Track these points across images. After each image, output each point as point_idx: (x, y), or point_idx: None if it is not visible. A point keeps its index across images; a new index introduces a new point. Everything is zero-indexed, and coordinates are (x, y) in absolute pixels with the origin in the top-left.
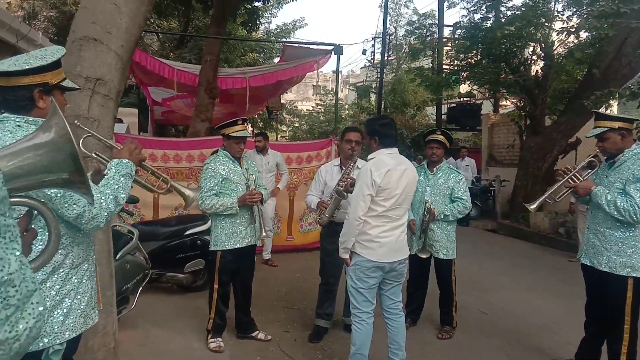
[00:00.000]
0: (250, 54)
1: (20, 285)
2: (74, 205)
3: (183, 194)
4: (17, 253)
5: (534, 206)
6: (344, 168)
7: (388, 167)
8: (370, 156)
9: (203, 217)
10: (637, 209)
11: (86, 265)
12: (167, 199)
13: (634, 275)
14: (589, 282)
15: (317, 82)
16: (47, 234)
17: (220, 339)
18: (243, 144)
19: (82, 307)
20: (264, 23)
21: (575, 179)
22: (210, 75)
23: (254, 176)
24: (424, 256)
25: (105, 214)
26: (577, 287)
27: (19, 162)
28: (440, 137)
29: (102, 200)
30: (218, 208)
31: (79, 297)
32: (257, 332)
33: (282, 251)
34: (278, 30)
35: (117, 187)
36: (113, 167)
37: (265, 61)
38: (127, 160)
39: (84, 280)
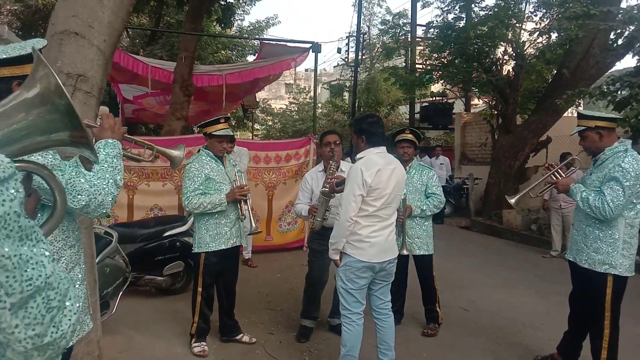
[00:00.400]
0: (223, 52)
1: (59, 285)
2: (79, 196)
3: (170, 155)
4: (47, 253)
5: (514, 200)
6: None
7: (378, 166)
8: (359, 155)
9: (182, 218)
10: (606, 207)
11: (78, 268)
12: (143, 199)
13: (612, 272)
14: (573, 276)
15: (295, 80)
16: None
17: (204, 343)
18: (226, 143)
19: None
20: (237, 20)
21: (558, 175)
22: (186, 72)
23: (240, 171)
24: (405, 253)
25: (110, 199)
26: (553, 284)
27: (12, 123)
28: (410, 136)
29: (104, 185)
30: (206, 207)
31: None
32: (242, 334)
33: (261, 251)
34: (251, 27)
35: (112, 169)
36: (102, 150)
37: (239, 58)
38: (112, 139)
39: (77, 285)
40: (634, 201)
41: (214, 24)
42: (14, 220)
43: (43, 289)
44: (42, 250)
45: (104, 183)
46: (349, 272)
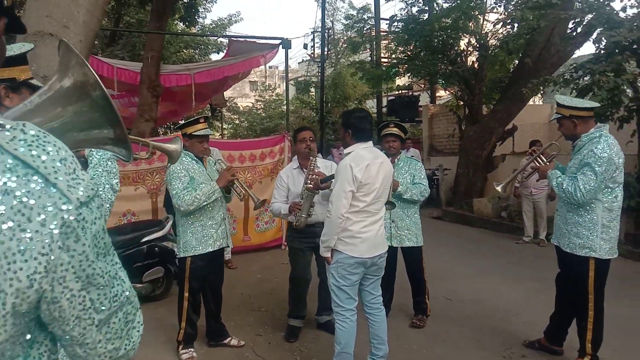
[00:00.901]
0: (186, 50)
1: (134, 299)
2: None
3: (167, 149)
4: (120, 265)
5: (500, 186)
6: (304, 169)
7: (367, 161)
8: (346, 151)
9: (159, 222)
10: (577, 191)
11: None
12: (116, 204)
13: (593, 255)
14: (559, 260)
15: (266, 77)
16: None
17: (192, 349)
18: (206, 143)
19: None
20: (199, 18)
21: (541, 160)
22: (153, 73)
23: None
24: (395, 245)
25: (108, 206)
26: (528, 269)
27: (52, 117)
28: (395, 130)
29: (101, 192)
30: (201, 198)
31: None
32: (230, 338)
33: (240, 252)
34: (213, 25)
35: (107, 173)
36: (94, 153)
37: (202, 57)
38: None
39: None
40: (610, 185)
41: (176, 22)
42: (101, 238)
43: (125, 304)
44: (118, 264)
45: (100, 189)
46: (341, 269)
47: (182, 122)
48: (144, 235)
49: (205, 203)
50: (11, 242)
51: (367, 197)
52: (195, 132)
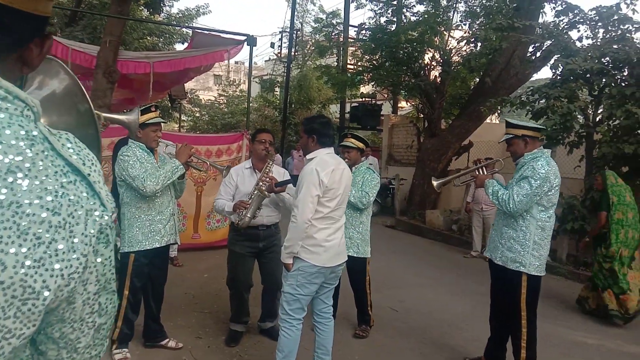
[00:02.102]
0: (149, 38)
1: (108, 322)
2: None
3: (121, 121)
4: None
5: (437, 183)
6: (256, 170)
7: (332, 166)
8: (309, 156)
9: None
10: (510, 200)
11: None
12: None
13: (523, 270)
14: (492, 274)
15: (228, 72)
16: None
17: (126, 350)
18: (159, 132)
19: None
20: (165, 6)
21: (481, 171)
22: (110, 58)
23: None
24: None
25: None
26: (475, 283)
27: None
28: (350, 142)
29: None
30: (167, 175)
31: None
32: (167, 340)
33: (188, 250)
34: (180, 15)
35: None
36: None
37: (166, 46)
38: None
39: None
40: (545, 204)
41: (141, 8)
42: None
43: (113, 316)
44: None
45: None
46: (300, 277)
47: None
48: None
49: (170, 181)
50: (63, 240)
51: (332, 202)
52: (147, 120)
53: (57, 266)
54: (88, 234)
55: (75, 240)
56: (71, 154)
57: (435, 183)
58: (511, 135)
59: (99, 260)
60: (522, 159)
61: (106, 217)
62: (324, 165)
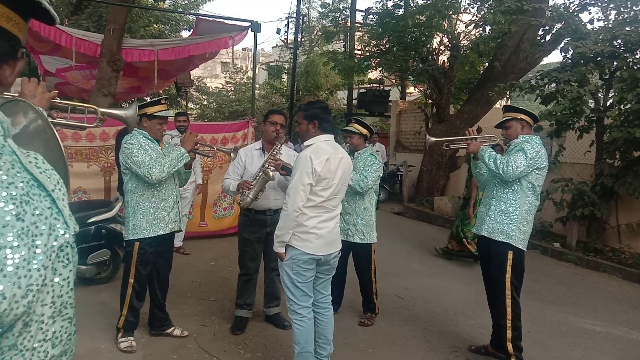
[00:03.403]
0: (155, 25)
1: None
2: None
3: (119, 116)
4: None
5: (432, 140)
6: (266, 152)
7: (327, 155)
8: (307, 142)
9: (108, 203)
10: (509, 164)
11: None
12: None
13: (509, 241)
14: (481, 255)
15: (233, 59)
16: None
17: (132, 338)
18: (165, 125)
19: None
20: None
21: (474, 138)
22: (114, 46)
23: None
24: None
25: None
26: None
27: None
28: (352, 127)
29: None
30: (172, 163)
31: None
32: (173, 328)
33: (195, 238)
34: (186, 1)
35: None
36: None
37: (172, 34)
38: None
39: None
40: (534, 182)
41: None
42: (76, 272)
43: (69, 348)
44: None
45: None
46: (295, 266)
47: (148, 99)
48: (91, 215)
49: (175, 169)
50: (25, 247)
51: (325, 192)
52: (156, 112)
53: (16, 272)
54: (49, 248)
55: (37, 250)
56: (37, 171)
57: (431, 139)
58: (510, 117)
59: (56, 279)
60: (514, 141)
61: (67, 235)
62: (319, 153)
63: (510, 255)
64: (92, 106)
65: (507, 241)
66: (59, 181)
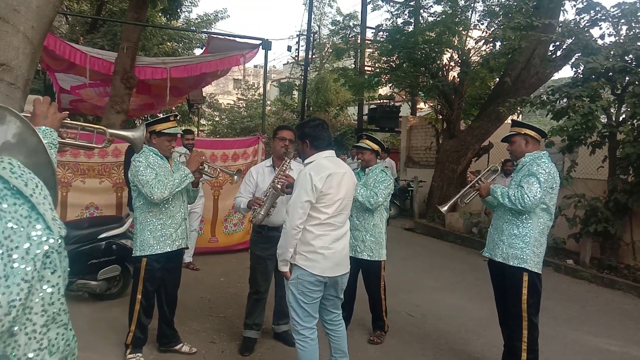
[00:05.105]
0: (169, 43)
1: (76, 351)
2: None
3: (127, 137)
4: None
5: (445, 208)
6: (276, 168)
7: (328, 171)
8: (307, 160)
9: (119, 219)
10: (525, 197)
11: None
12: (78, 196)
13: (525, 266)
14: (492, 277)
15: (244, 76)
16: None
17: (140, 354)
18: (174, 142)
19: None
20: (184, 11)
21: (480, 182)
22: (128, 64)
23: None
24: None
25: None
26: None
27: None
28: (363, 143)
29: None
30: (175, 183)
31: None
32: (181, 344)
33: (205, 253)
34: (199, 20)
35: None
36: None
37: (185, 52)
38: (45, 127)
39: None
40: (547, 202)
41: (160, 14)
42: (66, 277)
43: (70, 354)
44: None
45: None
46: (300, 285)
47: (160, 116)
48: (102, 231)
49: (178, 189)
50: (1, 264)
51: (329, 208)
52: (165, 129)
53: None
54: (32, 258)
55: (15, 265)
56: (12, 176)
57: (443, 209)
58: (514, 133)
59: (45, 287)
60: (522, 159)
61: (51, 241)
62: (320, 169)
63: (525, 277)
64: (101, 127)
65: (522, 266)
66: (37, 184)
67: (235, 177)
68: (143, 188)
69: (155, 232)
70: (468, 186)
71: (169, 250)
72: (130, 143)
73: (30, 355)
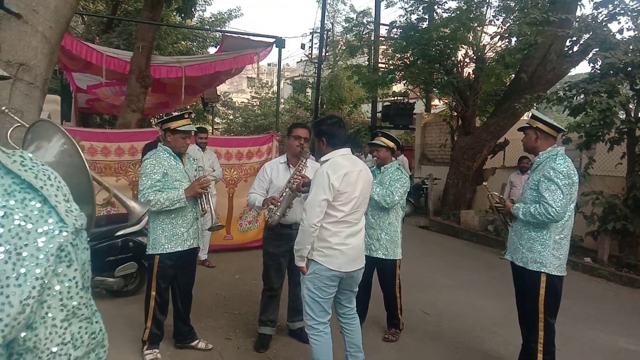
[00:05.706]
0: (183, 42)
1: (106, 342)
2: None
3: (128, 206)
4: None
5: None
6: (291, 166)
7: (345, 169)
8: (323, 158)
9: None
10: (549, 208)
11: None
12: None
13: (544, 270)
14: (514, 278)
15: (258, 75)
16: None
17: (157, 350)
18: (189, 139)
19: None
20: (198, 10)
21: (499, 208)
22: (143, 63)
23: (198, 172)
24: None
25: None
26: (510, 286)
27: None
28: (378, 140)
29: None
30: (164, 203)
31: None
32: (197, 341)
33: (220, 251)
34: (213, 18)
35: None
36: None
37: (199, 50)
38: None
39: None
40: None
41: (174, 13)
42: (87, 269)
43: (100, 344)
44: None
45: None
46: (317, 281)
47: (175, 113)
48: (119, 228)
49: (167, 209)
50: (6, 265)
51: (346, 206)
52: (180, 127)
53: (5, 292)
54: (43, 255)
55: (25, 262)
56: (21, 169)
57: (485, 183)
58: (527, 125)
59: (61, 281)
60: (537, 159)
61: (65, 234)
62: (336, 167)
63: (543, 277)
64: (107, 185)
65: (542, 270)
66: (50, 176)
67: (215, 225)
68: (138, 193)
69: (166, 231)
70: (495, 217)
71: (180, 249)
72: (127, 211)
73: (54, 349)
